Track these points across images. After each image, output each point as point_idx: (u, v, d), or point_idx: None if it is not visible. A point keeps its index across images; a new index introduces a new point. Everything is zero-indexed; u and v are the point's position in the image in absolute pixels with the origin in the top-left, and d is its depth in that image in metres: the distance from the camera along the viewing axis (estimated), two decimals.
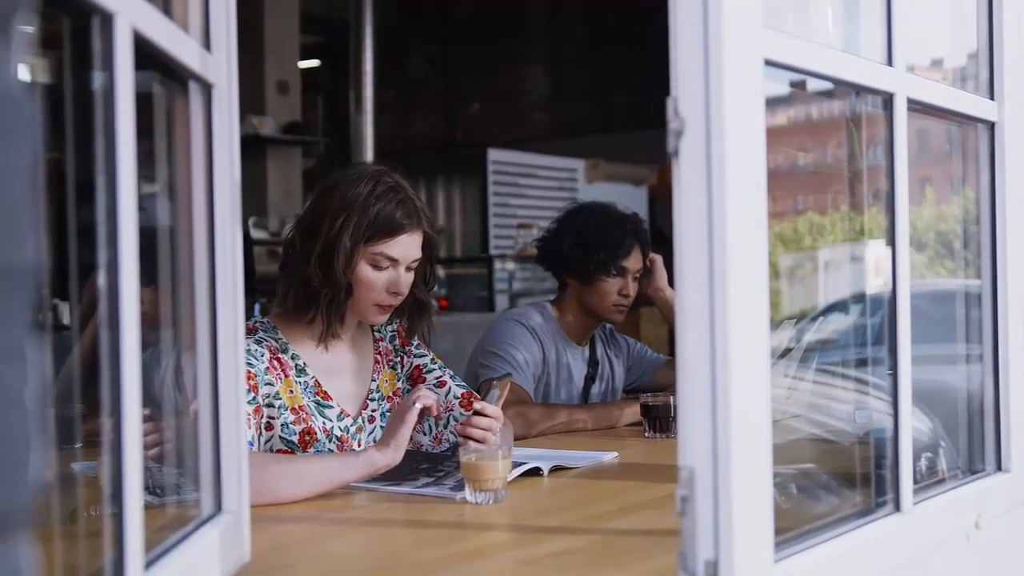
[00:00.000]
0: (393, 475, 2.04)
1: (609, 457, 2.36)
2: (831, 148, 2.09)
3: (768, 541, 1.24)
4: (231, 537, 1.39)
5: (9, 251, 0.56)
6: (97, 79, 1.02)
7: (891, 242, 1.55)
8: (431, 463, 2.15)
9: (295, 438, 2.17)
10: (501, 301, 7.40)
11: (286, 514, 1.84)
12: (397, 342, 2.44)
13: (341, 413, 2.27)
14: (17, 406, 0.56)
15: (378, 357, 2.40)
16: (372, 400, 2.35)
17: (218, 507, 1.39)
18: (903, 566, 1.55)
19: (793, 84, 1.51)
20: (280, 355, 2.22)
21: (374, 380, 2.37)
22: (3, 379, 0.55)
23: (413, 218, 2.21)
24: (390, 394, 2.39)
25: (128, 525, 1.02)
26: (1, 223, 0.56)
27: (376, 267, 2.20)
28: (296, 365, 2.24)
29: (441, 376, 2.41)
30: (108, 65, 1.00)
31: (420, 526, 1.76)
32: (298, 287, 2.22)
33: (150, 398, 1.15)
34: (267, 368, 2.16)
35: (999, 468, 1.84)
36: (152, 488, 1.34)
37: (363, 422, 2.31)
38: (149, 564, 1.11)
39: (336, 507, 1.88)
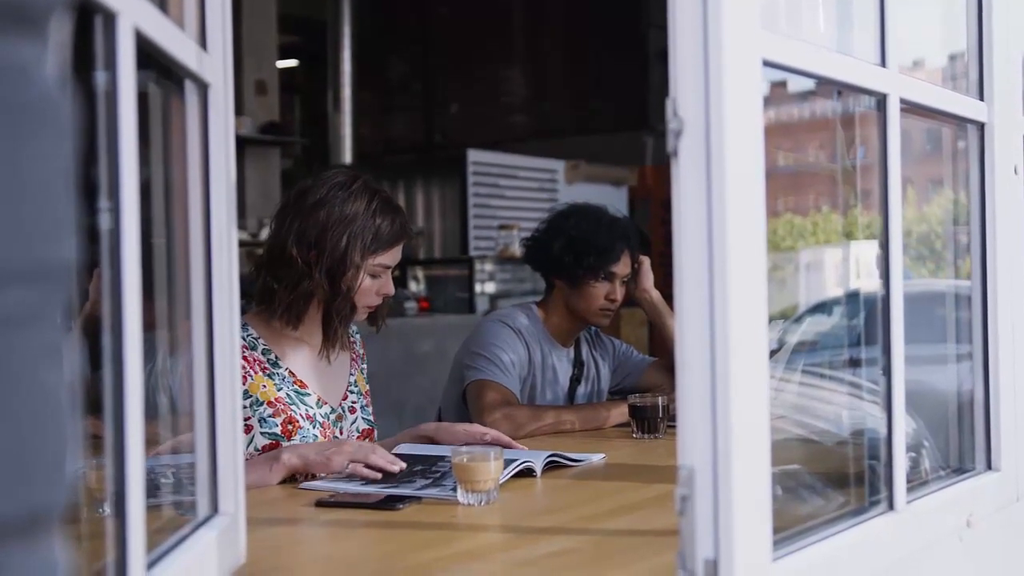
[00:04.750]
0: (388, 479, 2.03)
1: (598, 458, 2.37)
2: (811, 149, 2.10)
3: (767, 540, 1.25)
4: (228, 539, 1.38)
5: (49, 250, 0.56)
6: (98, 78, 1.01)
7: (884, 243, 1.55)
8: (425, 464, 2.14)
9: (277, 430, 2.22)
10: (482, 303, 7.39)
11: (282, 516, 1.84)
12: (361, 351, 2.56)
13: (319, 400, 2.34)
14: (55, 406, 0.56)
15: (354, 355, 2.50)
16: (352, 392, 2.45)
17: (215, 509, 1.39)
18: (898, 564, 1.56)
19: (774, 83, 1.51)
20: (249, 352, 2.28)
21: (352, 374, 2.47)
22: (41, 378, 0.55)
23: (406, 227, 2.37)
24: (365, 390, 2.50)
25: (130, 527, 1.02)
26: (42, 222, 0.56)
27: (374, 276, 2.32)
28: (268, 359, 2.31)
29: (366, 403, 2.52)
30: (111, 64, 0.99)
31: (414, 527, 1.76)
32: (299, 298, 2.29)
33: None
34: None
35: (989, 467, 1.85)
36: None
37: (343, 411, 2.40)
38: (148, 566, 1.10)
39: (331, 510, 1.87)
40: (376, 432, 2.51)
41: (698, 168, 1.19)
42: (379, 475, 2.04)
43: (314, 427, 2.29)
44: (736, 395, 1.18)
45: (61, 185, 0.58)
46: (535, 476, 2.13)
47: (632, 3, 9.00)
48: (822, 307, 3.20)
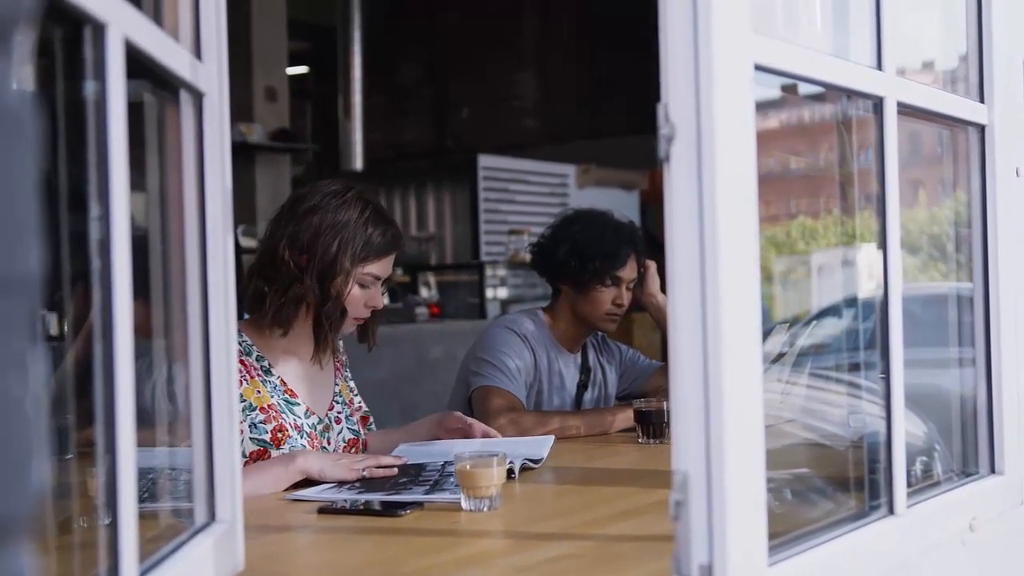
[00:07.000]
0: (376, 487, 2.04)
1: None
2: (823, 152, 2.10)
3: (762, 545, 1.24)
4: (225, 546, 1.38)
5: (12, 261, 0.57)
6: (89, 88, 1.02)
7: (883, 245, 1.55)
8: (408, 476, 2.15)
9: (267, 436, 2.25)
10: (492, 308, 7.39)
11: (280, 523, 1.84)
12: (344, 358, 2.58)
13: (307, 411, 2.37)
14: (19, 414, 0.57)
15: (338, 365, 2.53)
16: (337, 402, 2.47)
17: (212, 516, 1.39)
18: (898, 569, 1.55)
19: (784, 88, 1.51)
20: (244, 357, 2.31)
21: (336, 384, 2.49)
22: (6, 387, 0.56)
23: (398, 240, 2.39)
24: (349, 400, 2.52)
25: (123, 535, 1.02)
26: (3, 233, 0.56)
27: (362, 286, 2.35)
28: (262, 366, 2.34)
29: (350, 412, 2.53)
30: (100, 75, 1.00)
31: (415, 534, 1.76)
32: (290, 303, 2.31)
33: (142, 408, 1.15)
34: None
35: (992, 471, 1.84)
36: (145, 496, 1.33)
37: (330, 422, 2.43)
38: (143, 573, 1.10)
39: (330, 516, 1.87)
40: (360, 442, 2.51)
41: (690, 173, 1.20)
42: (395, 471, 2.16)
43: (301, 437, 2.30)
44: (729, 400, 1.18)
45: (25, 196, 0.59)
46: (514, 479, 2.14)
47: (641, 6, 8.98)
48: (833, 310, 3.18)
